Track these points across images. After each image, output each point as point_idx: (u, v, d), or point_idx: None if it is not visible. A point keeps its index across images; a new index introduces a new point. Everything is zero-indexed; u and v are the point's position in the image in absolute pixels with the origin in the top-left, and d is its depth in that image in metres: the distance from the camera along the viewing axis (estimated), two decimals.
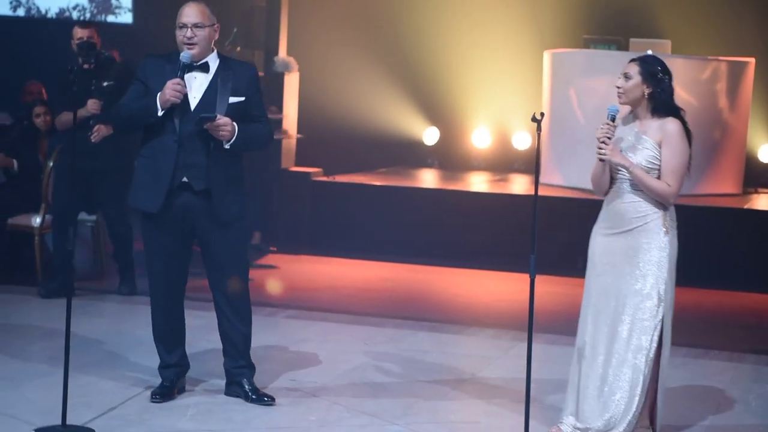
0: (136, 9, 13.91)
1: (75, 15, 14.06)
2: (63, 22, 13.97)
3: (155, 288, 5.62)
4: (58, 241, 7.88)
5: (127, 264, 8.12)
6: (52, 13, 14.14)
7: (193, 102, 5.41)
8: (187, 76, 5.38)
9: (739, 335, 7.79)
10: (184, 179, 5.41)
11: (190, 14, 5.40)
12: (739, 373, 6.70)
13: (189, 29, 5.37)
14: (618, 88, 5.10)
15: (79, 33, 7.83)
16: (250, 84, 5.51)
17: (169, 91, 5.31)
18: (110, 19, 14.06)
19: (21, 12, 14.15)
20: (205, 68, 5.44)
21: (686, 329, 7.75)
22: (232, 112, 5.39)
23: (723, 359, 6.99)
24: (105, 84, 7.80)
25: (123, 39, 13.13)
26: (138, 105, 5.42)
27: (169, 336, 5.66)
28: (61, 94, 7.97)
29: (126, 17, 14.02)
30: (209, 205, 5.44)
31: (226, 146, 5.39)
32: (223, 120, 5.33)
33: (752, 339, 7.67)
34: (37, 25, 14.05)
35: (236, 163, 5.55)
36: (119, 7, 14.04)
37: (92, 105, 7.72)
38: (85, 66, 7.79)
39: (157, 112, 5.34)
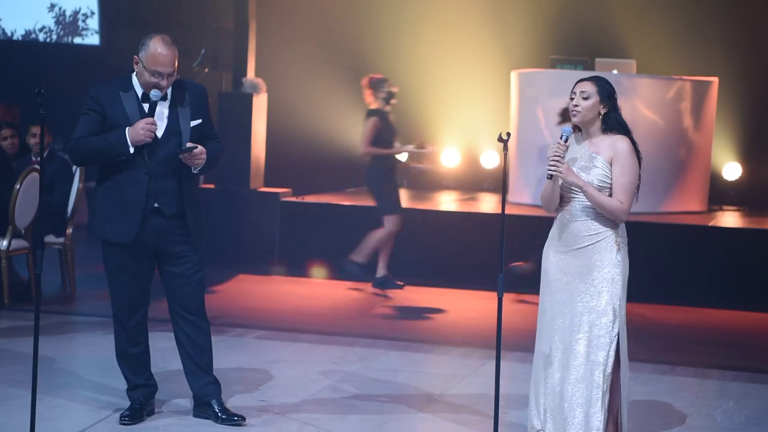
0: (103, 31, 13.91)
1: (41, 37, 14.05)
2: (30, 44, 13.97)
3: (120, 311, 5.60)
4: None
5: None
6: (18, 35, 14.11)
7: (159, 131, 5.43)
8: (146, 106, 5.41)
9: (705, 351, 7.86)
10: (156, 205, 5.43)
11: (167, 63, 5.36)
12: (705, 388, 6.76)
13: (165, 79, 5.38)
14: (575, 106, 5.13)
15: None
16: (203, 103, 5.59)
17: (143, 132, 5.32)
18: (77, 41, 14.06)
19: None
20: (164, 96, 5.47)
21: (652, 345, 7.84)
22: (194, 135, 5.47)
23: (688, 375, 7.04)
24: None
25: (90, 60, 13.16)
26: (106, 142, 5.37)
27: (135, 357, 5.65)
28: None
29: (93, 39, 14.02)
30: (178, 226, 5.47)
31: (195, 171, 5.46)
32: (199, 149, 5.39)
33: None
34: (3, 46, 14.04)
35: (197, 183, 5.68)
36: (86, 29, 14.03)
37: None
38: None
39: (128, 150, 5.35)
